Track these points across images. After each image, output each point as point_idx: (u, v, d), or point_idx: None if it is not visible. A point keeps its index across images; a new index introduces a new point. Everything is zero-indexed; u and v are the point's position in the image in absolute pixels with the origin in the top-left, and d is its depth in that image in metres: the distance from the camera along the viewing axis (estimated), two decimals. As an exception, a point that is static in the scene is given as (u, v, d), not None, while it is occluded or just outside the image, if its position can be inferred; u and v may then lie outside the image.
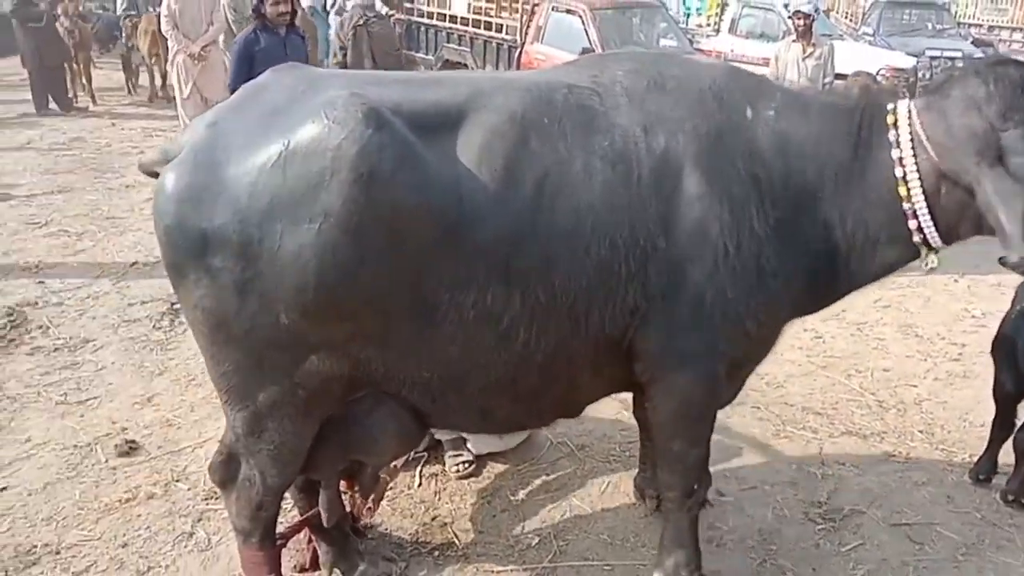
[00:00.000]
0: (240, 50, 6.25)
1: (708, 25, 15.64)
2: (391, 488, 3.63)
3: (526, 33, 11.20)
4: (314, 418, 2.61)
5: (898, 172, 2.51)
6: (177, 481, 3.72)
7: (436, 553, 3.29)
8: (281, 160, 2.24)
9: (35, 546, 3.27)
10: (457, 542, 3.36)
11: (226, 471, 2.80)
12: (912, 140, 2.50)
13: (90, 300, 5.66)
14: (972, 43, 15.50)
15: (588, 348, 2.59)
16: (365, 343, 2.46)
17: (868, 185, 2.58)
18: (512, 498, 3.68)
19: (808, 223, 2.61)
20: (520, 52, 11.18)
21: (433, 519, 3.51)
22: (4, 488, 3.62)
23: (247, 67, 5.94)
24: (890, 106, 2.58)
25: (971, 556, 3.36)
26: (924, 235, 2.55)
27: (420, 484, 3.75)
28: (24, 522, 3.42)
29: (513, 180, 2.41)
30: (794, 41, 8.51)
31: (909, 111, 2.53)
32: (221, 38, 9.24)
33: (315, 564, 3.19)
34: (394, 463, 3.59)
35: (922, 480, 3.92)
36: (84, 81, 13.08)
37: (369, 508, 3.40)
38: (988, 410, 4.59)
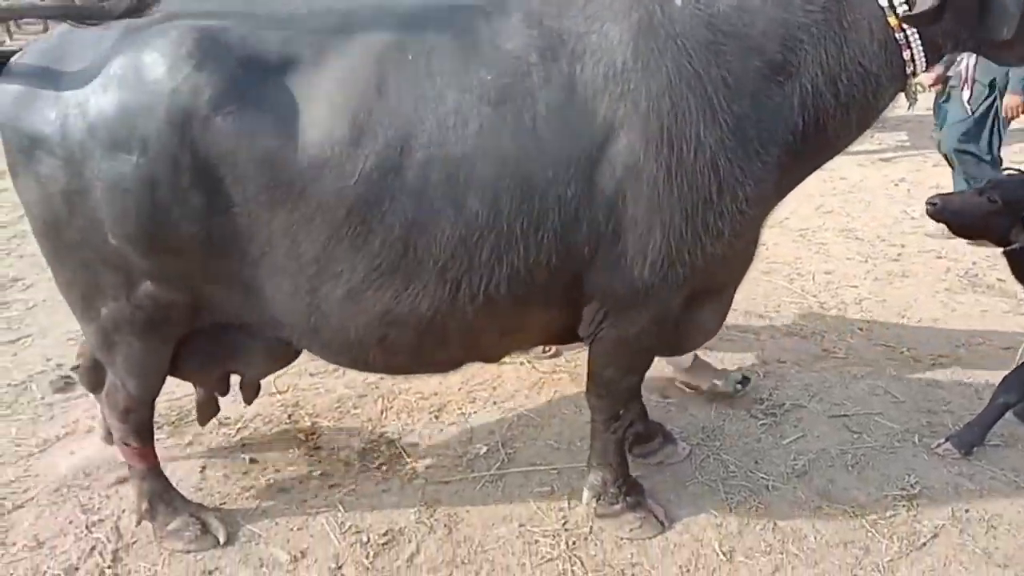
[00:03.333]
0: None
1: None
2: (336, 407, 3.61)
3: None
4: (162, 338, 2.52)
5: (882, 1, 2.27)
6: (117, 413, 3.63)
7: (384, 468, 3.28)
8: (108, 82, 2.15)
9: (-29, 484, 3.19)
10: (405, 456, 3.36)
11: (94, 377, 2.79)
12: None
13: (16, 240, 5.48)
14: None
15: (480, 309, 2.35)
16: (203, 280, 2.35)
17: (859, 30, 2.29)
18: (460, 412, 3.68)
19: (783, 103, 2.31)
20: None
21: (380, 436, 3.49)
22: (-64, 429, 3.52)
23: None
24: None
25: (906, 442, 3.46)
26: (915, 64, 2.34)
27: (365, 398, 3.74)
28: (-41, 461, 3.33)
29: (361, 130, 2.15)
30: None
31: None
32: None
33: None
34: None
35: (860, 374, 4.01)
36: None
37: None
38: (925, 306, 4.72)
